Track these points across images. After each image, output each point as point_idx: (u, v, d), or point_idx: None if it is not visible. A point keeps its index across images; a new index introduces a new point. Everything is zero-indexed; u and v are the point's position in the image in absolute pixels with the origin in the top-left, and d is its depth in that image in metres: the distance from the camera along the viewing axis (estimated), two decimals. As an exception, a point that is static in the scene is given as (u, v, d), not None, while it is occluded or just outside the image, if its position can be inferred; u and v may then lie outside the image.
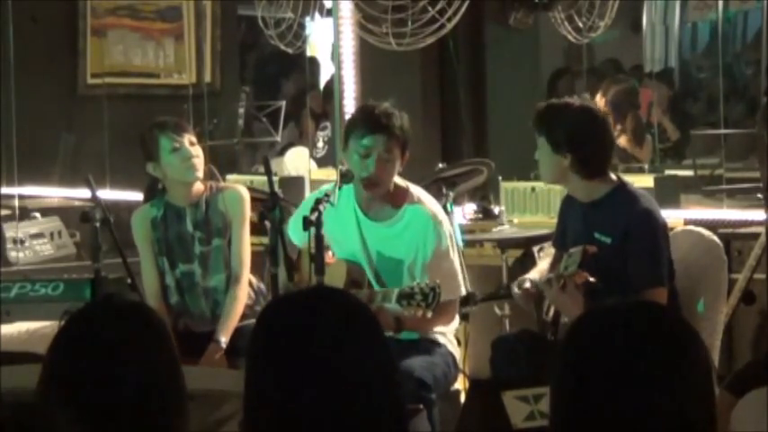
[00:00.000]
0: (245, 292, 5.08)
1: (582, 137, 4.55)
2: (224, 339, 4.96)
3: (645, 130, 8.90)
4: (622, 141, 8.47)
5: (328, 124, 9.72)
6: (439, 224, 4.73)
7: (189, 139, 5.05)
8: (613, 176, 4.65)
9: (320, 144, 10.01)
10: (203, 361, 4.89)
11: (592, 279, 4.32)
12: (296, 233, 4.82)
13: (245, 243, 5.10)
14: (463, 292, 4.84)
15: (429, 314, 4.38)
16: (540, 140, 4.60)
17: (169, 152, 5.01)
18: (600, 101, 8.48)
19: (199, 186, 5.10)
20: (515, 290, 4.69)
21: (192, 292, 5.11)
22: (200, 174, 5.08)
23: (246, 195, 5.12)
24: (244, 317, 5.06)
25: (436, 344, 4.77)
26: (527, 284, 4.66)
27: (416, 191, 4.84)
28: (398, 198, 4.78)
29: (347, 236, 4.84)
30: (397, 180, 4.80)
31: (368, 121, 4.71)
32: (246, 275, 5.09)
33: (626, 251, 4.46)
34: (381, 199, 4.78)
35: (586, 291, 4.35)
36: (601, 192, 4.59)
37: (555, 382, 2.04)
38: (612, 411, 1.96)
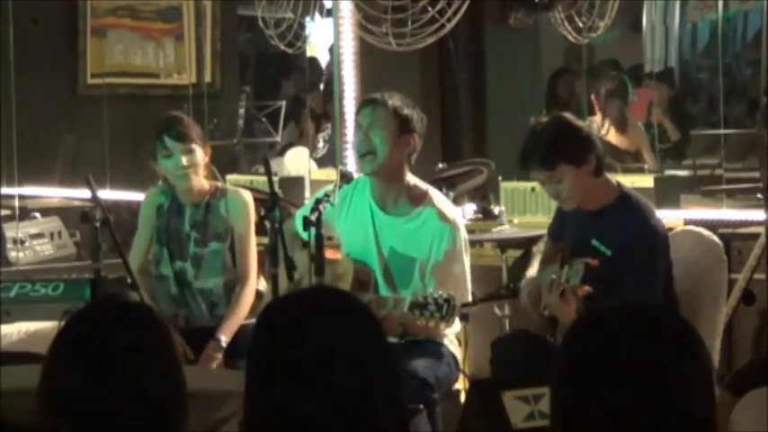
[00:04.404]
0: (251, 294, 5.09)
1: (588, 134, 4.57)
2: (224, 338, 4.97)
3: (627, 119, 8.89)
4: (611, 137, 8.49)
5: (329, 125, 9.72)
6: (456, 229, 4.75)
7: (185, 147, 5.05)
8: (613, 181, 4.64)
9: (320, 144, 10.02)
10: (202, 358, 4.91)
11: (591, 290, 4.34)
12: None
13: (252, 246, 5.12)
14: (470, 299, 4.85)
15: (442, 326, 4.41)
16: (558, 172, 4.47)
17: (163, 157, 5.07)
18: (595, 100, 8.51)
19: (203, 186, 5.13)
20: (524, 294, 4.70)
21: (188, 290, 5.15)
22: (194, 183, 5.09)
23: (250, 199, 5.13)
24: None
25: (438, 344, 4.78)
26: (526, 291, 4.67)
27: (436, 195, 4.87)
28: (418, 197, 4.82)
29: (359, 230, 4.86)
30: (418, 182, 4.85)
31: (361, 102, 5.06)
32: (254, 278, 5.11)
33: (624, 263, 4.44)
34: (399, 193, 4.81)
35: (583, 299, 4.37)
36: (604, 199, 4.57)
37: (554, 383, 2.04)
38: (612, 412, 1.96)
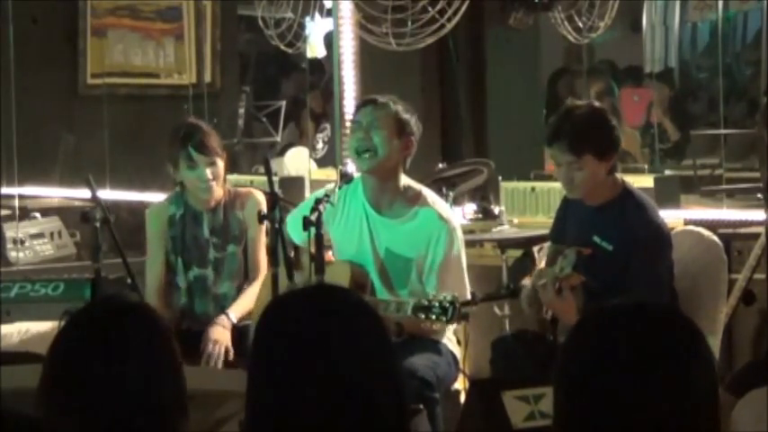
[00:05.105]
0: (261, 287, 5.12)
1: (618, 133, 4.60)
2: (234, 315, 4.99)
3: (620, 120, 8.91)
4: None
5: (327, 126, 9.71)
6: (452, 229, 4.77)
7: (210, 160, 5.05)
8: (619, 179, 4.65)
9: (320, 145, 10.01)
10: (211, 329, 4.93)
11: (584, 279, 4.34)
12: (295, 231, 4.83)
13: (263, 244, 5.14)
14: (468, 297, 4.85)
15: (447, 328, 4.42)
16: (583, 160, 4.49)
17: (186, 168, 5.08)
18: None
19: (218, 193, 5.13)
20: (524, 297, 4.70)
21: (203, 297, 5.16)
22: (216, 194, 5.11)
23: (262, 199, 5.15)
24: (245, 317, 5.08)
25: (437, 343, 4.78)
26: (526, 292, 4.68)
27: (431, 195, 4.89)
28: (412, 198, 4.83)
29: (354, 234, 4.86)
30: (411, 183, 4.87)
31: (361, 102, 5.13)
32: (264, 274, 5.12)
33: (628, 260, 4.44)
34: (393, 195, 4.82)
35: (583, 294, 4.37)
36: (607, 195, 4.58)
37: (558, 382, 2.04)
38: (616, 412, 1.95)
